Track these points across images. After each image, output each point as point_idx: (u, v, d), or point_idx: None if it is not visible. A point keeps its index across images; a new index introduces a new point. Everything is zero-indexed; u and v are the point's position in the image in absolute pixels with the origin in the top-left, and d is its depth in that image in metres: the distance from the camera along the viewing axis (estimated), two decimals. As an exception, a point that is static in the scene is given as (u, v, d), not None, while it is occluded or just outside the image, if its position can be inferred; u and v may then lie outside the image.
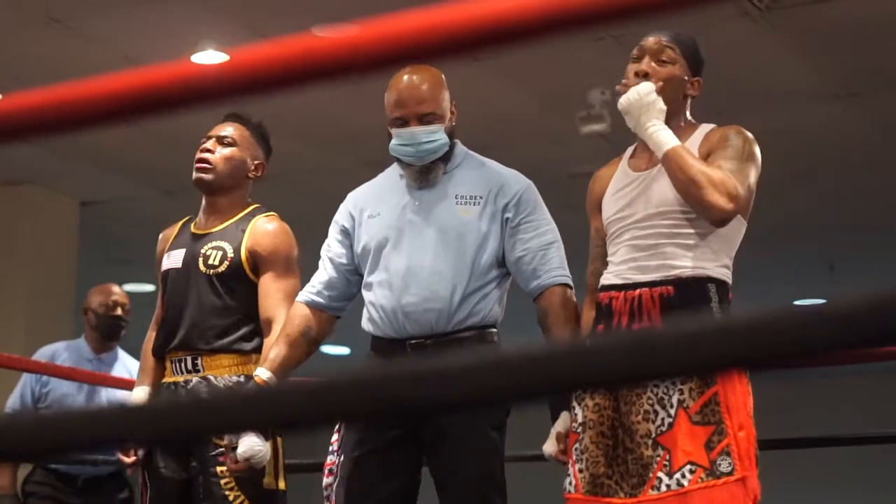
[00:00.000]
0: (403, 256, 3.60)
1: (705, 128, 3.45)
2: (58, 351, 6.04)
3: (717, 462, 3.15)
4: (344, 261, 3.76)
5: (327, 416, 1.25)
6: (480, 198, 3.63)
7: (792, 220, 10.05)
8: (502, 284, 3.67)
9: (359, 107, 7.27)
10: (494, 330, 3.63)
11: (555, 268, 3.61)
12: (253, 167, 4.10)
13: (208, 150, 4.05)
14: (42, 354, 6.03)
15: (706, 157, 3.34)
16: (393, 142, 3.64)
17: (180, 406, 1.22)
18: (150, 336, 4.15)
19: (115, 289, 6.12)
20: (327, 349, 13.51)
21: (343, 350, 13.94)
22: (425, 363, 1.16)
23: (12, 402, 6.01)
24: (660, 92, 3.35)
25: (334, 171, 8.66)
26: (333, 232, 3.81)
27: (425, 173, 3.65)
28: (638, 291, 3.31)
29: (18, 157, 8.51)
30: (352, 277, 3.76)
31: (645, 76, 3.37)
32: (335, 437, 3.79)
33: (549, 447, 3.48)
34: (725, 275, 3.35)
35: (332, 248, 3.79)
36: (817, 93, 7.64)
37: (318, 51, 1.28)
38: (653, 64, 3.40)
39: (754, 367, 1.20)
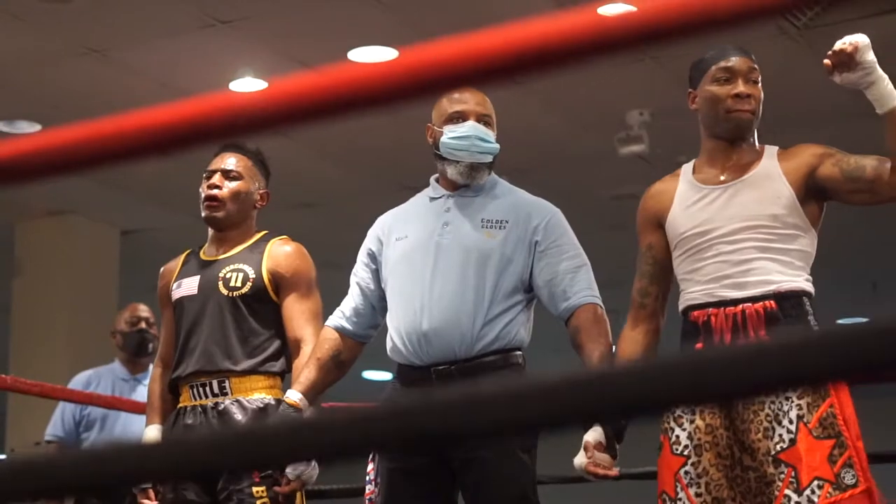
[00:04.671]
0: (427, 280, 3.59)
1: (771, 148, 3.42)
2: (92, 377, 6.06)
3: (842, 475, 3.13)
4: (371, 287, 3.77)
5: (361, 446, 1.24)
6: (507, 222, 3.62)
7: (833, 239, 9.94)
8: (528, 309, 3.64)
9: (400, 133, 7.28)
10: (520, 352, 3.59)
11: (584, 289, 3.58)
12: (258, 197, 4.12)
13: (216, 187, 4.06)
14: (77, 382, 6.05)
15: (814, 169, 3.37)
16: (446, 137, 3.64)
17: (228, 439, 1.22)
18: (157, 374, 4.13)
19: (139, 306, 6.17)
20: (369, 374, 13.51)
21: (386, 375, 13.93)
22: (455, 392, 1.14)
23: (53, 428, 6.02)
24: (757, 113, 3.37)
25: (376, 197, 8.65)
26: (361, 257, 3.82)
27: (471, 171, 3.65)
28: (740, 307, 3.25)
29: (59, 188, 8.56)
30: (377, 305, 3.76)
31: (748, 98, 3.35)
32: (370, 466, 3.78)
33: (580, 459, 3.37)
34: (812, 289, 3.32)
35: (359, 274, 3.81)
36: (857, 110, 7.58)
37: (357, 78, 1.28)
38: (749, 85, 3.37)
39: (866, 377, 1.20)
